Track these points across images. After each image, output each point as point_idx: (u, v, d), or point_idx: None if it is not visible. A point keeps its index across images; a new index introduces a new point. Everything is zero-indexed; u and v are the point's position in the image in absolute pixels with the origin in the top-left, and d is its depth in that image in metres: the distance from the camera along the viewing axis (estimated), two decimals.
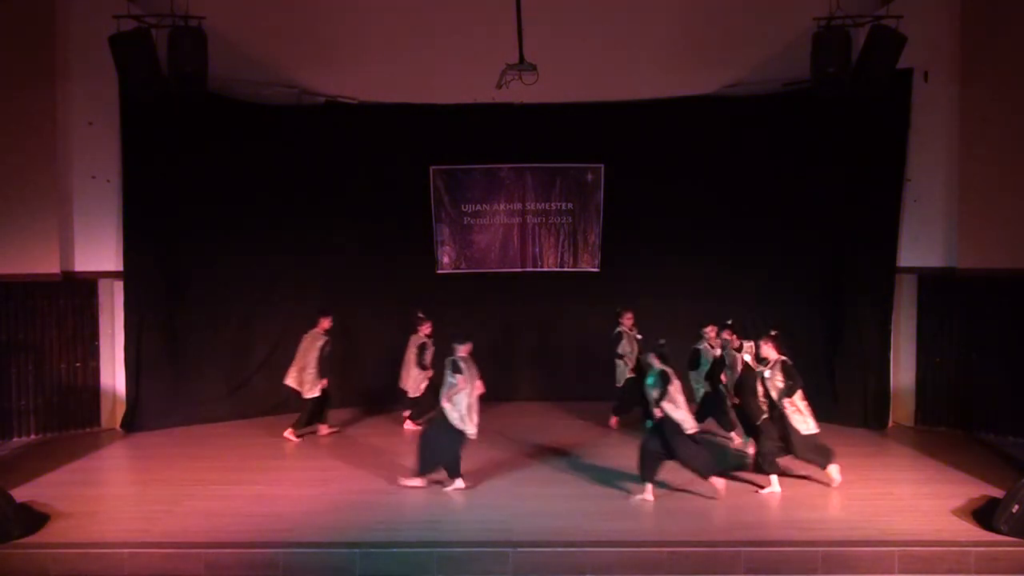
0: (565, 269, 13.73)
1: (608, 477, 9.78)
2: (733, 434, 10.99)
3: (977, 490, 9.15)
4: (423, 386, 11.89)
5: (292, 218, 12.93)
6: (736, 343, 10.28)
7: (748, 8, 12.09)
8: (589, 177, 13.60)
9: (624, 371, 11.77)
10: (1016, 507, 7.93)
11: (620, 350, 11.76)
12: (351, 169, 13.19)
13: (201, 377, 12.44)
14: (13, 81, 10.97)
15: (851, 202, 12.02)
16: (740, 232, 13.00)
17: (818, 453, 9.30)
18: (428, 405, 11.45)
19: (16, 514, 8.09)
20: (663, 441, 8.91)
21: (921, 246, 11.76)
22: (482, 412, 9.45)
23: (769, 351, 9.34)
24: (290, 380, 11.59)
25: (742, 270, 13.01)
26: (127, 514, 8.84)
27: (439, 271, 13.66)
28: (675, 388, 8.88)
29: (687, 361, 11.11)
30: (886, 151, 11.74)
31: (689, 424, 8.91)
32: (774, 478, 9.19)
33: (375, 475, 9.99)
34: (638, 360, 11.40)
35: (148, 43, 10.04)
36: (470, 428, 9.29)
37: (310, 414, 11.61)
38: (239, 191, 12.49)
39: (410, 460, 9.72)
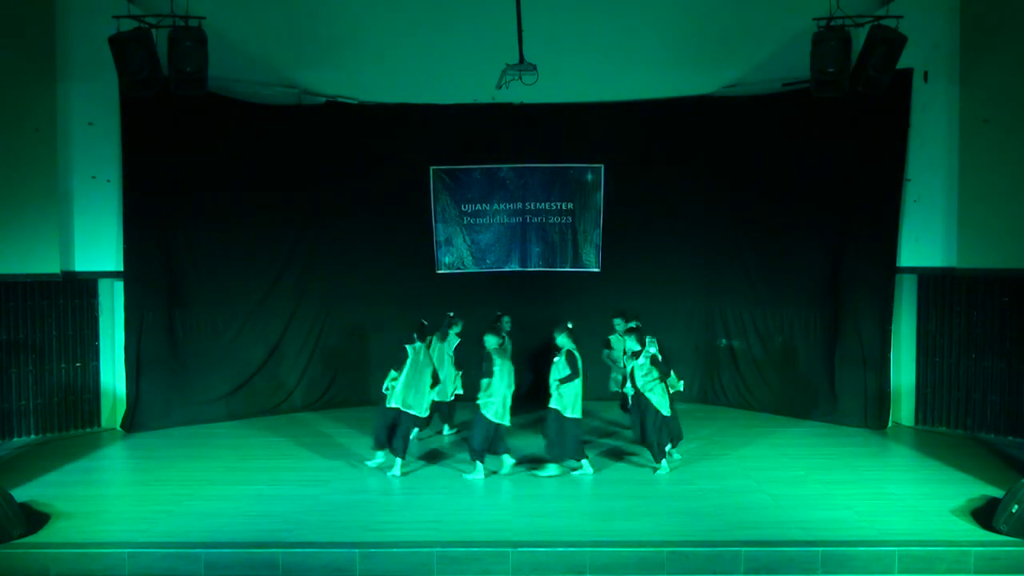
0: (565, 269, 13.74)
1: (608, 476, 9.78)
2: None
3: (977, 490, 9.16)
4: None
5: (292, 218, 12.94)
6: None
7: (748, 8, 12.07)
8: (589, 177, 13.59)
9: None
10: (1016, 507, 7.93)
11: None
12: (351, 169, 13.18)
13: (201, 377, 12.42)
14: (13, 81, 10.96)
15: (851, 202, 12.00)
16: (740, 232, 13.01)
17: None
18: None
19: (16, 514, 8.09)
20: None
21: (921, 246, 11.75)
22: None
23: (633, 343, 10.10)
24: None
25: (742, 270, 13.03)
26: (127, 514, 8.85)
27: (439, 271, 13.66)
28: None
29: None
30: (886, 151, 11.72)
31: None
32: (664, 461, 9.89)
33: (375, 475, 9.99)
34: None
35: (148, 43, 10.01)
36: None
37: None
38: (239, 191, 12.49)
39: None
